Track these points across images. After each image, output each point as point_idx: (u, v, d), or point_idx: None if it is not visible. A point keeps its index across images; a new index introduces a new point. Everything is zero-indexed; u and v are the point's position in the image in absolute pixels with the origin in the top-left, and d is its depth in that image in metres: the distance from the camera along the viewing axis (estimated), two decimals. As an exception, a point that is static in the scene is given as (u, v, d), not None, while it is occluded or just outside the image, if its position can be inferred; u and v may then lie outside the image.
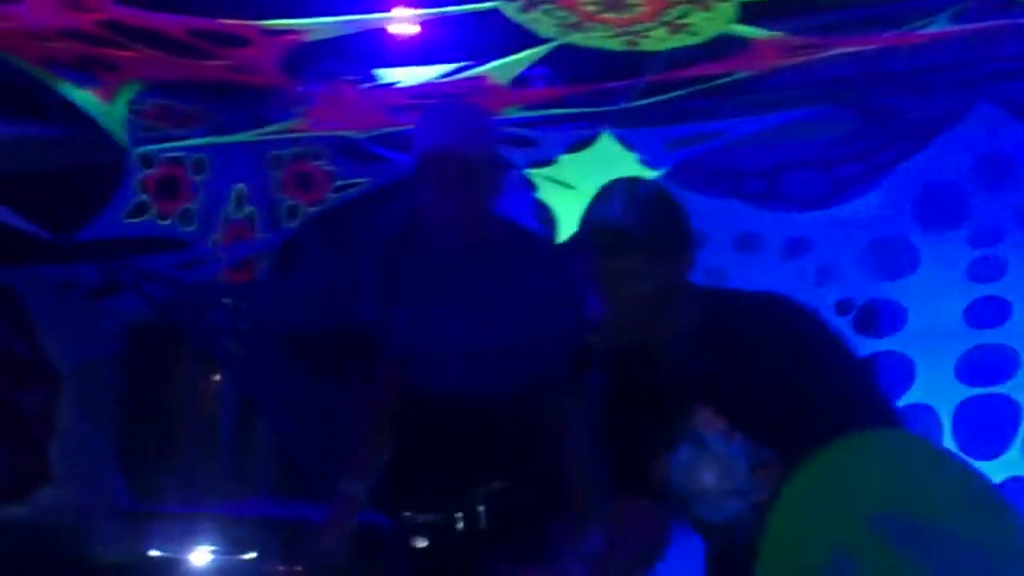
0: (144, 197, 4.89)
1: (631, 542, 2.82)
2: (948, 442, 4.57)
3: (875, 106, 4.47)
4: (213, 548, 2.77)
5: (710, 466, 2.66)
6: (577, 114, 4.25)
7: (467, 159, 3.16)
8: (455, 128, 3.17)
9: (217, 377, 5.48)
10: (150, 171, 4.87)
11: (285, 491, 5.33)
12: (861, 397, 2.68)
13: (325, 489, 4.75)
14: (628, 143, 4.37)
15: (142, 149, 4.52)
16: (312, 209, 4.94)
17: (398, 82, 3.99)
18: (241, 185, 4.99)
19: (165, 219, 4.94)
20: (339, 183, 4.90)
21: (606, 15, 3.18)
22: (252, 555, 2.79)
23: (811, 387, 2.62)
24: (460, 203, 3.22)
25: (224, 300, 4.98)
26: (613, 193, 2.69)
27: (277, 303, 5.04)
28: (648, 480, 2.73)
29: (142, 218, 4.88)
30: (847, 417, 2.59)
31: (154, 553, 2.77)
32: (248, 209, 4.99)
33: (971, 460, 4.40)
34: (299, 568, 2.79)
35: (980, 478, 2.24)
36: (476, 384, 3.41)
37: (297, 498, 5.17)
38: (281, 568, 2.79)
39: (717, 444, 2.65)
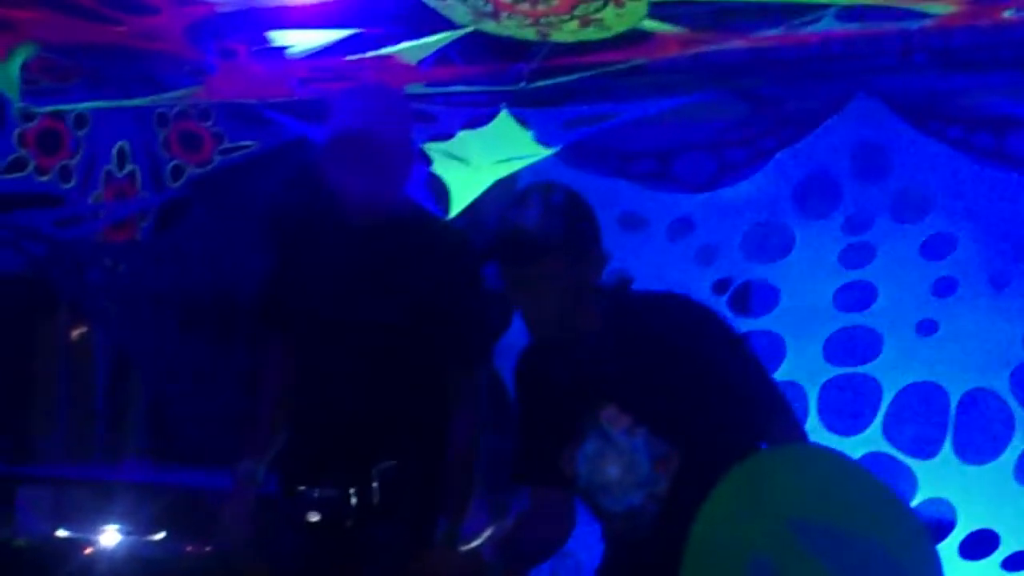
0: (23, 151, 4.76)
1: (536, 529, 2.91)
2: (814, 418, 4.75)
3: (761, 93, 4.59)
4: (120, 527, 2.77)
5: (614, 460, 2.77)
6: (478, 92, 4.27)
7: (383, 143, 3.18)
8: (373, 112, 3.18)
9: (93, 336, 5.38)
10: (30, 124, 4.74)
11: (160, 455, 5.28)
12: (758, 396, 2.81)
13: (200, 453, 4.75)
14: (525, 121, 4.42)
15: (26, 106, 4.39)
16: (198, 170, 4.87)
17: (296, 46, 3.95)
18: (124, 142, 4.89)
19: (44, 174, 4.82)
20: (226, 145, 4.84)
21: (521, 6, 3.22)
22: (160, 535, 2.80)
23: (710, 386, 2.74)
24: (374, 184, 3.25)
25: (103, 259, 4.90)
26: (528, 200, 2.74)
27: (157, 264, 4.97)
28: (555, 471, 2.82)
29: (20, 173, 4.75)
30: (744, 415, 2.73)
31: (62, 533, 2.76)
32: (130, 167, 4.90)
33: (835, 436, 4.66)
34: (208, 548, 2.80)
35: (888, 490, 2.38)
36: (375, 362, 3.44)
37: (172, 462, 5.14)
38: (189, 548, 2.79)
39: (621, 439, 2.76)
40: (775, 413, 2.79)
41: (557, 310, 2.73)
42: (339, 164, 3.22)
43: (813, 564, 2.19)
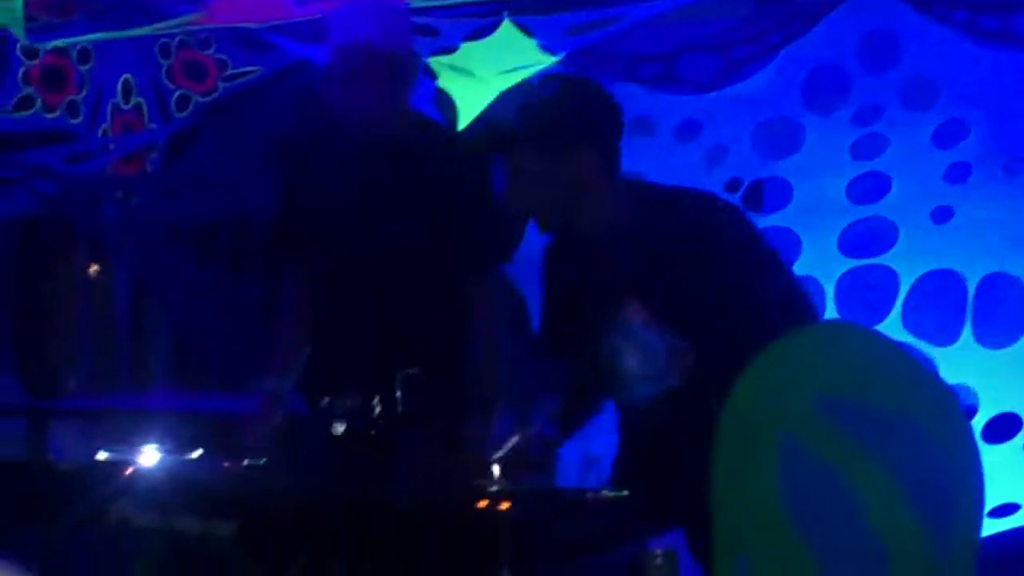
0: (29, 90, 4.76)
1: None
2: (832, 312, 4.76)
3: (766, -11, 4.55)
4: (159, 447, 2.83)
5: (632, 352, 2.79)
6: (479, 2, 4.24)
7: (387, 55, 3.18)
8: (375, 24, 3.17)
9: (110, 270, 5.42)
10: (34, 62, 4.74)
11: (184, 382, 5.33)
12: (778, 288, 2.83)
13: (226, 379, 4.79)
14: (528, 29, 4.39)
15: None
16: (204, 99, 4.86)
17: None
18: (128, 75, 4.88)
19: (52, 111, 4.82)
20: (230, 72, 4.82)
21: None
22: (198, 452, 2.86)
23: (730, 279, 2.76)
24: (380, 99, 3.24)
25: (115, 192, 4.92)
26: (522, 93, 2.76)
27: (169, 194, 4.99)
28: (585, 346, 2.84)
29: (28, 111, 4.75)
30: (763, 307, 2.74)
31: (102, 455, 2.82)
32: (136, 100, 4.89)
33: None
34: (245, 464, 2.86)
35: (920, 364, 2.38)
36: (391, 274, 3.46)
37: (198, 389, 5.19)
38: (227, 465, 2.86)
39: (639, 332, 2.78)
40: (795, 304, 2.82)
41: (562, 203, 2.74)
42: (344, 80, 3.22)
43: (844, 440, 2.19)
